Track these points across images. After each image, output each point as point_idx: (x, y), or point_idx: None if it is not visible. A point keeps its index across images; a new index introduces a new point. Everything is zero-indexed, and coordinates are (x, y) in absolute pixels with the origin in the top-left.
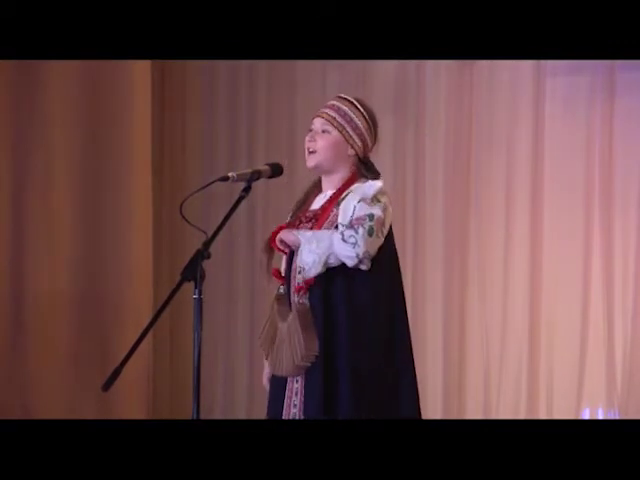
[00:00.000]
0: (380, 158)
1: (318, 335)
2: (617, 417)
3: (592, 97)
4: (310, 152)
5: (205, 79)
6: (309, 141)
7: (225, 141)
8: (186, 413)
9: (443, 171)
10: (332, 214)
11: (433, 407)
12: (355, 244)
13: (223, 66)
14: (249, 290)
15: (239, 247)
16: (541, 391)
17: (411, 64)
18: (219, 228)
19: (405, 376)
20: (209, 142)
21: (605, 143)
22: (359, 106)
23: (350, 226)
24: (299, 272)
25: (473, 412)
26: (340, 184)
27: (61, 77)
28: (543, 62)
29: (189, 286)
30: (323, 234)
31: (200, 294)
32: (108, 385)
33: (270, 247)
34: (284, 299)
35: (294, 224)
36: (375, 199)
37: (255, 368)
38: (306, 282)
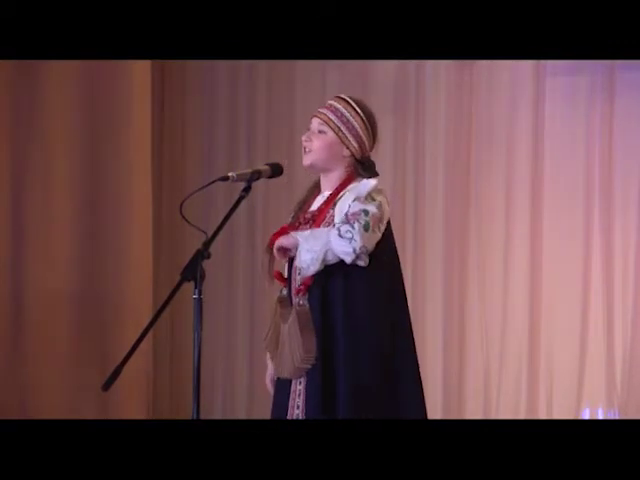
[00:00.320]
0: (380, 158)
1: (317, 336)
2: (617, 417)
3: (592, 97)
4: (306, 151)
5: (205, 79)
6: (305, 140)
7: (225, 141)
8: (186, 413)
9: (443, 171)
10: (329, 215)
11: (433, 407)
12: (352, 239)
13: (223, 66)
14: (249, 290)
15: (239, 247)
16: (541, 391)
17: (411, 64)
18: (219, 228)
19: (408, 377)
20: (209, 142)
21: (605, 143)
22: (356, 107)
23: (346, 222)
24: (299, 273)
25: (473, 412)
26: (337, 184)
27: (61, 77)
28: (543, 62)
29: (189, 286)
30: (320, 231)
31: (200, 294)
32: (108, 385)
33: (271, 248)
34: (286, 301)
35: (294, 225)
36: (369, 197)
37: (255, 368)
38: (304, 282)
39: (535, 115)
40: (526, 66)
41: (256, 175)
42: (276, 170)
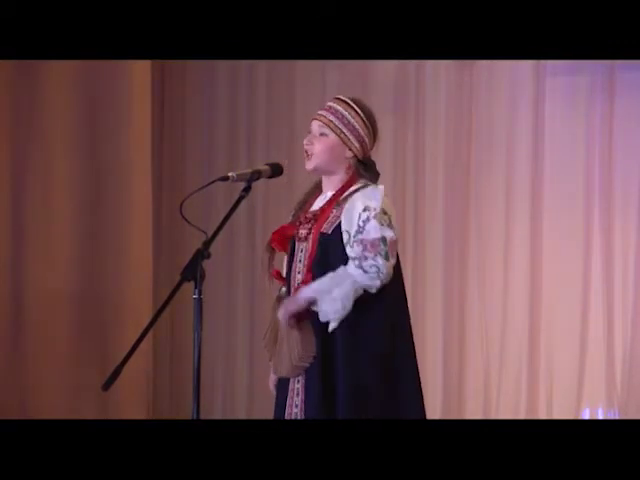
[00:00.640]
0: (380, 158)
1: (316, 335)
2: (617, 417)
3: (592, 97)
4: (308, 155)
5: (205, 79)
6: (307, 144)
7: (225, 141)
8: (186, 413)
9: (443, 171)
10: (331, 215)
11: (433, 407)
12: (378, 272)
13: (223, 66)
14: (249, 290)
15: (239, 247)
16: (541, 391)
17: (411, 64)
18: (219, 228)
19: (407, 378)
20: (209, 142)
21: (605, 143)
22: (356, 107)
23: (365, 257)
24: (298, 272)
25: (473, 412)
26: (339, 185)
27: (61, 77)
28: (543, 62)
29: (189, 286)
30: (340, 277)
31: (200, 294)
32: (108, 385)
33: (271, 247)
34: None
35: (294, 225)
36: (383, 212)
37: (255, 368)
38: (303, 281)
39: (535, 115)
40: (526, 66)
41: (256, 175)
42: (276, 170)
